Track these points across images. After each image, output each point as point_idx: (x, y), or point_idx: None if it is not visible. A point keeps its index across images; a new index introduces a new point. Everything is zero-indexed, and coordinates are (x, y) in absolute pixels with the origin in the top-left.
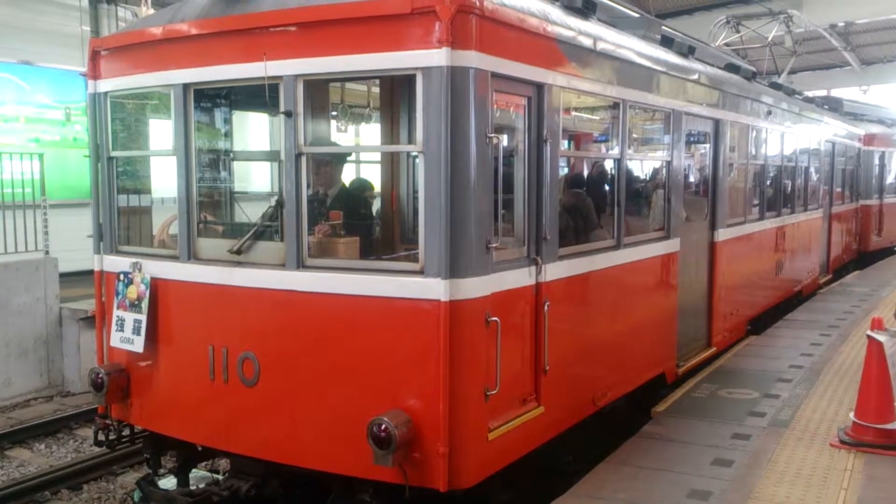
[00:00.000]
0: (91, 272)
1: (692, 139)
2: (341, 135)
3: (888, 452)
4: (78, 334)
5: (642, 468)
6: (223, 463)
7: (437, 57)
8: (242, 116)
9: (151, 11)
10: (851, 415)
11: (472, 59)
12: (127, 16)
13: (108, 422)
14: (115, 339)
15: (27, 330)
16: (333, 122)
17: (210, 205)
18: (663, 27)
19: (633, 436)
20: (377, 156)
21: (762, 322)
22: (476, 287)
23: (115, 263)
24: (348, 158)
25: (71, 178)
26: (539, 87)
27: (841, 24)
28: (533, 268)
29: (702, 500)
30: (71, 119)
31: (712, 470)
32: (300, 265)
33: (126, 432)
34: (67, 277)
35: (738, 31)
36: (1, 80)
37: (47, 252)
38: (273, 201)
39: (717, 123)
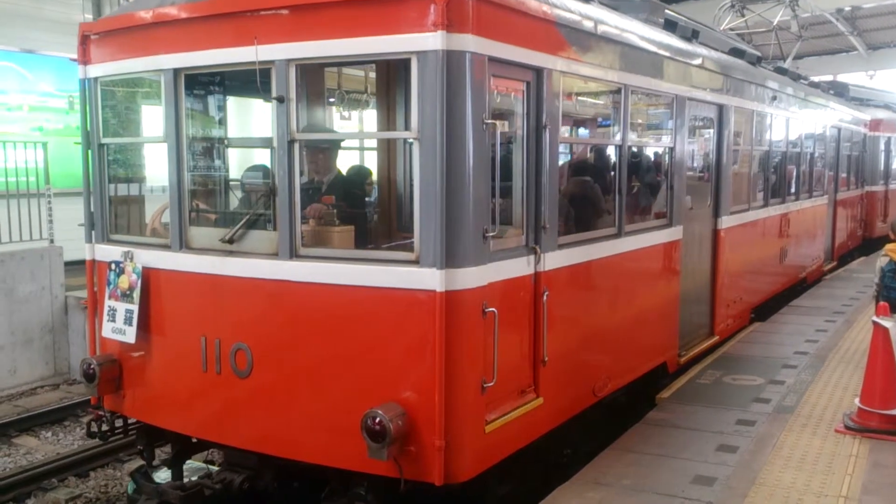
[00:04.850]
0: None
1: (696, 125)
2: (335, 121)
3: (893, 438)
4: (83, 322)
5: (647, 454)
6: (219, 454)
7: (433, 40)
8: (237, 102)
9: None
10: (856, 400)
11: (469, 42)
12: None
13: (100, 413)
14: (107, 330)
15: (33, 318)
16: (327, 108)
17: (203, 193)
18: (667, 10)
19: (638, 422)
20: (374, 142)
21: (766, 309)
22: (473, 277)
23: (107, 252)
24: (343, 145)
25: (75, 167)
26: (538, 72)
27: (847, 9)
28: (531, 257)
29: (707, 486)
30: (74, 107)
31: (717, 456)
32: (293, 255)
33: (119, 423)
34: (73, 266)
35: (742, 16)
36: (4, 68)
37: (52, 241)
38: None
39: (721, 109)
